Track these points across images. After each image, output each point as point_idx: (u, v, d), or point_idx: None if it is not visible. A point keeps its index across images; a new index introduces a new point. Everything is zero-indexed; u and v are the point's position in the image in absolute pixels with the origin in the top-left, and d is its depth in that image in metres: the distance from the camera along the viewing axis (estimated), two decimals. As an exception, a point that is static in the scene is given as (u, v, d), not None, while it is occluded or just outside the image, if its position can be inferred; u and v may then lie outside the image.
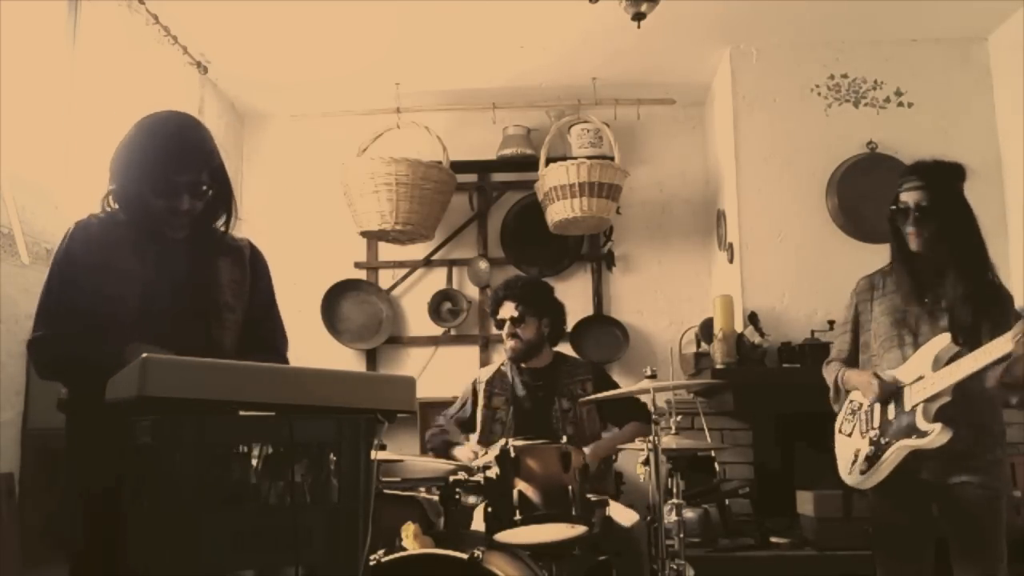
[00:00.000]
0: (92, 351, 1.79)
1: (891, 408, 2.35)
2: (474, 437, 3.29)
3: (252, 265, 2.09)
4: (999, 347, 2.08)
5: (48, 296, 1.89)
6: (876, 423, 2.38)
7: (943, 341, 2.28)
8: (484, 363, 4.35)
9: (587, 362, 3.41)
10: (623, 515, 2.84)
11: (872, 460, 2.36)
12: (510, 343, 3.23)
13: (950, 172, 2.39)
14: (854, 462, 2.42)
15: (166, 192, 1.87)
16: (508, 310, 3.22)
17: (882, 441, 2.34)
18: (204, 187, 1.92)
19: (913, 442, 2.26)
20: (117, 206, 1.94)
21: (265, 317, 2.11)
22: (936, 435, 2.21)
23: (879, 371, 2.40)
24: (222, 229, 2.04)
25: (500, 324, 3.27)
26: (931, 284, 2.38)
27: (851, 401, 2.52)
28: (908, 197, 2.36)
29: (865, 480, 2.39)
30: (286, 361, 2.13)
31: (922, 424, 2.25)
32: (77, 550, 1.83)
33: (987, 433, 2.31)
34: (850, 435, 2.47)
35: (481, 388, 3.29)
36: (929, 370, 2.26)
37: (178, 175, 1.87)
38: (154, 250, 1.92)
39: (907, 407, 2.30)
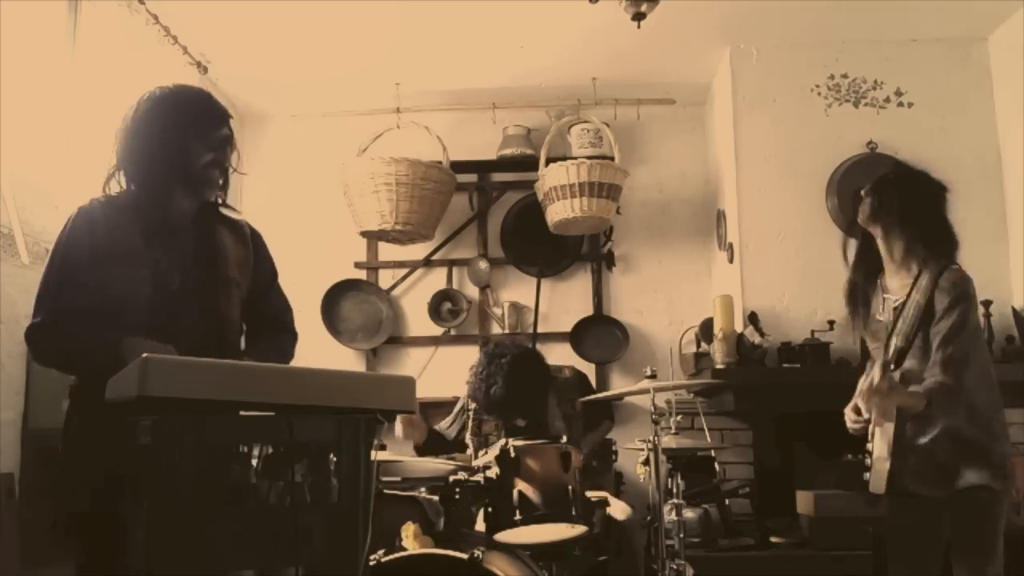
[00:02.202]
0: (91, 338, 1.78)
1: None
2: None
3: (254, 243, 2.12)
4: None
5: (48, 282, 1.88)
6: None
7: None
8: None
9: (573, 377, 3.37)
10: (617, 509, 2.84)
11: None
12: None
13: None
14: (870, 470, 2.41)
15: (214, 144, 1.94)
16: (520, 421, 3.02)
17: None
18: (233, 146, 2.01)
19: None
20: (123, 181, 1.95)
21: (269, 293, 2.14)
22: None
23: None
24: (218, 201, 2.06)
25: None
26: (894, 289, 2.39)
27: None
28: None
29: (876, 486, 2.34)
30: (295, 335, 2.17)
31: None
32: (82, 546, 1.82)
33: (988, 431, 2.30)
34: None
35: (470, 415, 3.21)
36: None
37: (220, 129, 1.96)
38: (160, 230, 1.93)
39: None
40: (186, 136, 1.91)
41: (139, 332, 1.77)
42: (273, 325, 2.12)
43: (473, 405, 3.20)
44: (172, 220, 1.95)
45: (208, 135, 1.94)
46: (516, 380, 2.87)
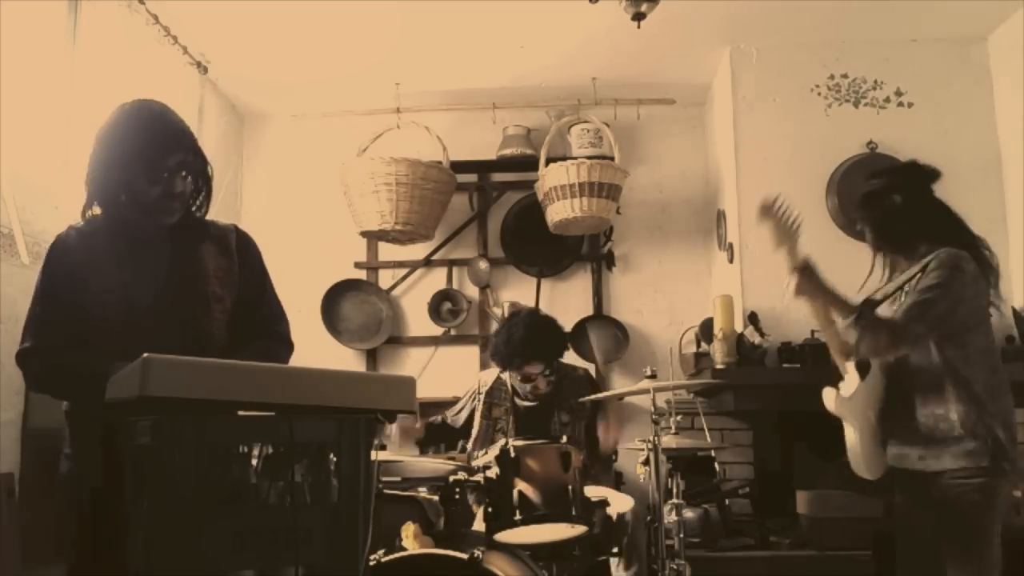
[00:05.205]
0: (77, 365, 1.80)
1: None
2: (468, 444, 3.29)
3: (239, 250, 2.06)
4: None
5: (33, 309, 1.90)
6: None
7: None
8: (484, 364, 4.34)
9: (585, 374, 3.39)
10: (619, 502, 2.85)
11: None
12: (537, 390, 3.17)
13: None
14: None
15: (159, 177, 1.86)
16: (536, 367, 3.13)
17: None
18: (191, 169, 1.92)
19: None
20: (97, 207, 1.93)
21: (259, 300, 2.07)
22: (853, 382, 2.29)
23: None
24: (201, 216, 2.02)
25: (525, 376, 3.16)
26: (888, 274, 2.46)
27: None
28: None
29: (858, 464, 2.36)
30: (289, 342, 2.10)
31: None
32: (76, 555, 1.83)
33: (984, 411, 2.22)
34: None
35: (481, 399, 3.27)
36: None
37: (169, 157, 1.87)
38: (131, 251, 1.91)
39: None
40: (132, 172, 1.86)
41: (115, 353, 1.72)
42: (263, 334, 2.04)
43: (485, 388, 3.26)
44: (144, 239, 1.93)
45: (152, 169, 1.86)
46: (535, 324, 3.16)
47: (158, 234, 1.94)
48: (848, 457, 2.39)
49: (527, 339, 3.09)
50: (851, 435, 2.35)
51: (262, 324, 2.06)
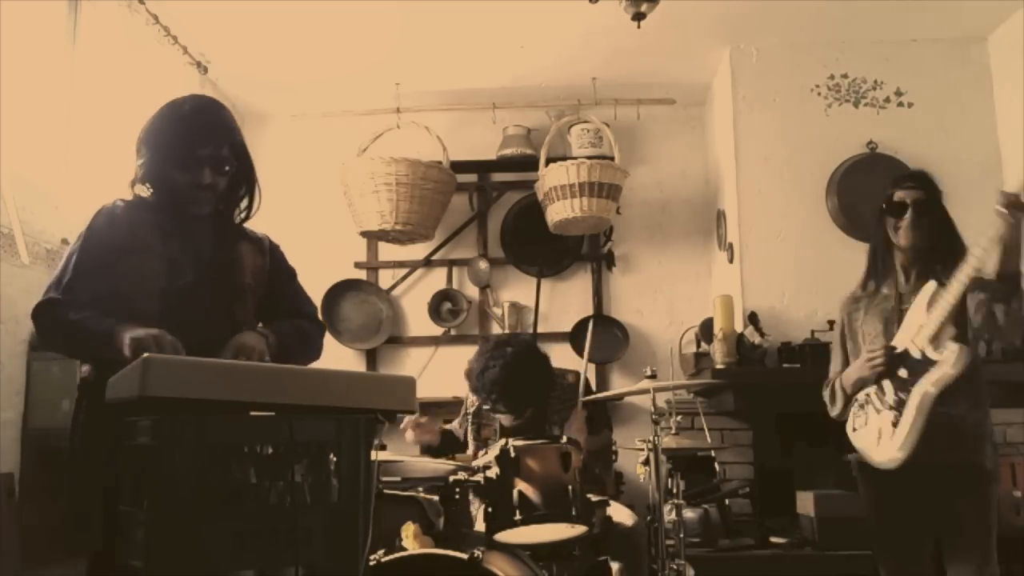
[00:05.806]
0: (91, 322, 1.80)
1: (902, 371, 2.29)
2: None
3: (271, 254, 2.17)
4: (977, 255, 2.13)
5: (63, 269, 1.91)
6: (891, 391, 2.30)
7: (930, 288, 2.27)
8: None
9: (575, 381, 3.35)
10: (622, 515, 2.83)
11: (897, 422, 2.27)
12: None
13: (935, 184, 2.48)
14: (879, 439, 2.32)
15: (189, 166, 1.92)
16: (506, 419, 2.99)
17: (903, 398, 2.26)
18: (226, 164, 1.98)
19: (932, 376, 2.20)
20: (146, 185, 1.99)
21: (290, 292, 2.20)
22: (954, 355, 2.17)
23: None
24: (243, 216, 2.10)
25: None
26: (916, 276, 2.42)
27: (856, 400, 2.48)
28: (905, 196, 2.41)
29: (902, 443, 2.24)
30: (320, 324, 2.26)
31: (935, 355, 2.20)
32: (95, 545, 1.82)
33: (978, 409, 2.32)
34: (866, 424, 2.39)
35: (470, 419, 3.19)
36: (924, 315, 2.25)
37: (199, 149, 1.93)
38: (178, 230, 1.96)
39: (917, 356, 2.25)
40: (165, 164, 1.93)
41: (149, 324, 1.77)
42: (298, 316, 2.17)
43: (472, 408, 3.19)
44: (189, 223, 1.98)
45: (183, 158, 1.92)
46: (514, 369, 2.82)
47: (201, 221, 2.00)
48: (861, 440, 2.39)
49: (496, 385, 2.82)
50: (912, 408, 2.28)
51: (296, 310, 2.18)
